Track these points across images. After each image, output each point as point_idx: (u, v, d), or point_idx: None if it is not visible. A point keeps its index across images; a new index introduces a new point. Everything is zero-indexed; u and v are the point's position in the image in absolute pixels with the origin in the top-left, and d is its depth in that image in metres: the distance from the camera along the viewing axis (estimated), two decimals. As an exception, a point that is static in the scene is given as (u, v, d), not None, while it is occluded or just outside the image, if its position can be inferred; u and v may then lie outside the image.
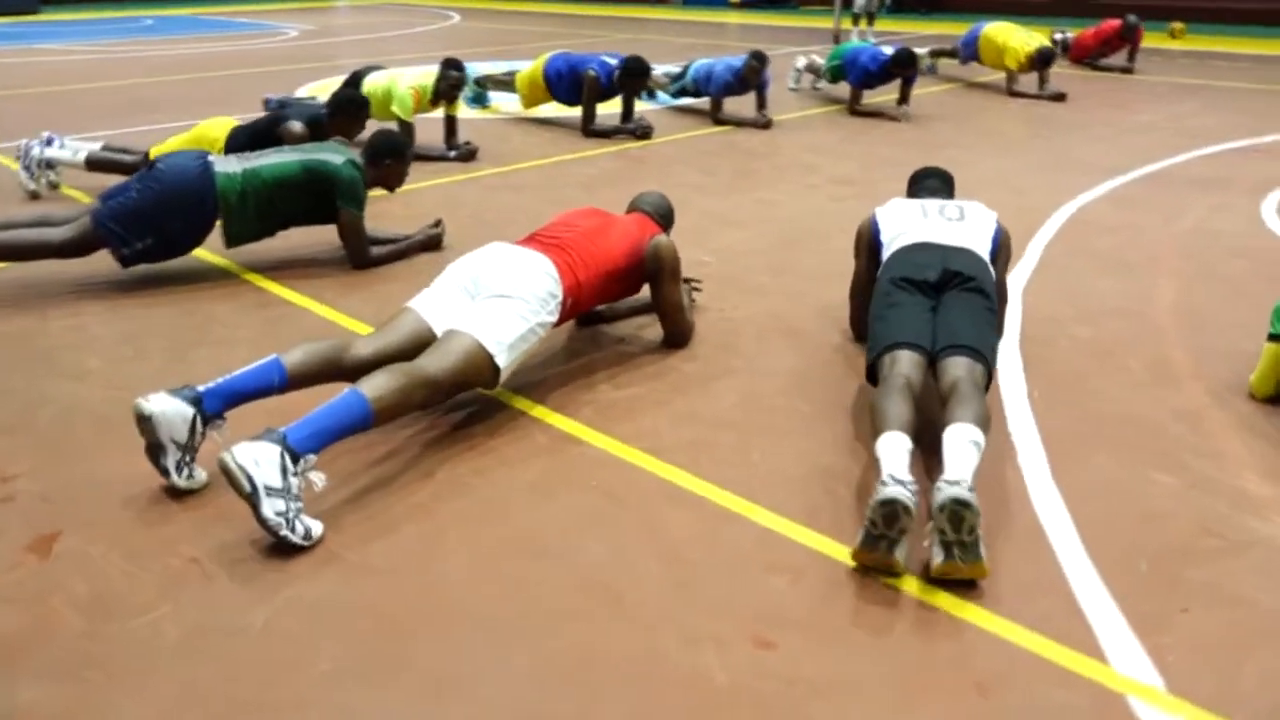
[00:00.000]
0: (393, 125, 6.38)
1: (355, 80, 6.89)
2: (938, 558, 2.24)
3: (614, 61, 7.56)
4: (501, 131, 7.88)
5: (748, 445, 2.94)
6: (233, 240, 4.26)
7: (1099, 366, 3.51)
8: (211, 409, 2.60)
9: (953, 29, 14.58)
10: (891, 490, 2.23)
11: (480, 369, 2.85)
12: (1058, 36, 11.83)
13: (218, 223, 4.19)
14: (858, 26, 14.10)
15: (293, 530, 2.35)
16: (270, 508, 2.31)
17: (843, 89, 9.13)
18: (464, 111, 7.47)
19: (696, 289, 3.99)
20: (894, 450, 2.38)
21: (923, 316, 2.88)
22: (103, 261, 4.13)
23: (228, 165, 4.16)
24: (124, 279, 4.22)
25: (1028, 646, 2.09)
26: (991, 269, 3.09)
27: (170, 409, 2.54)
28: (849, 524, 2.51)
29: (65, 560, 2.37)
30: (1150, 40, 12.68)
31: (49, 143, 5.56)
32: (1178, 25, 15.36)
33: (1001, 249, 3.24)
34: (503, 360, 2.88)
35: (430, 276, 3.24)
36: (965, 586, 2.26)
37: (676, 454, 2.87)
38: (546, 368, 3.45)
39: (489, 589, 2.28)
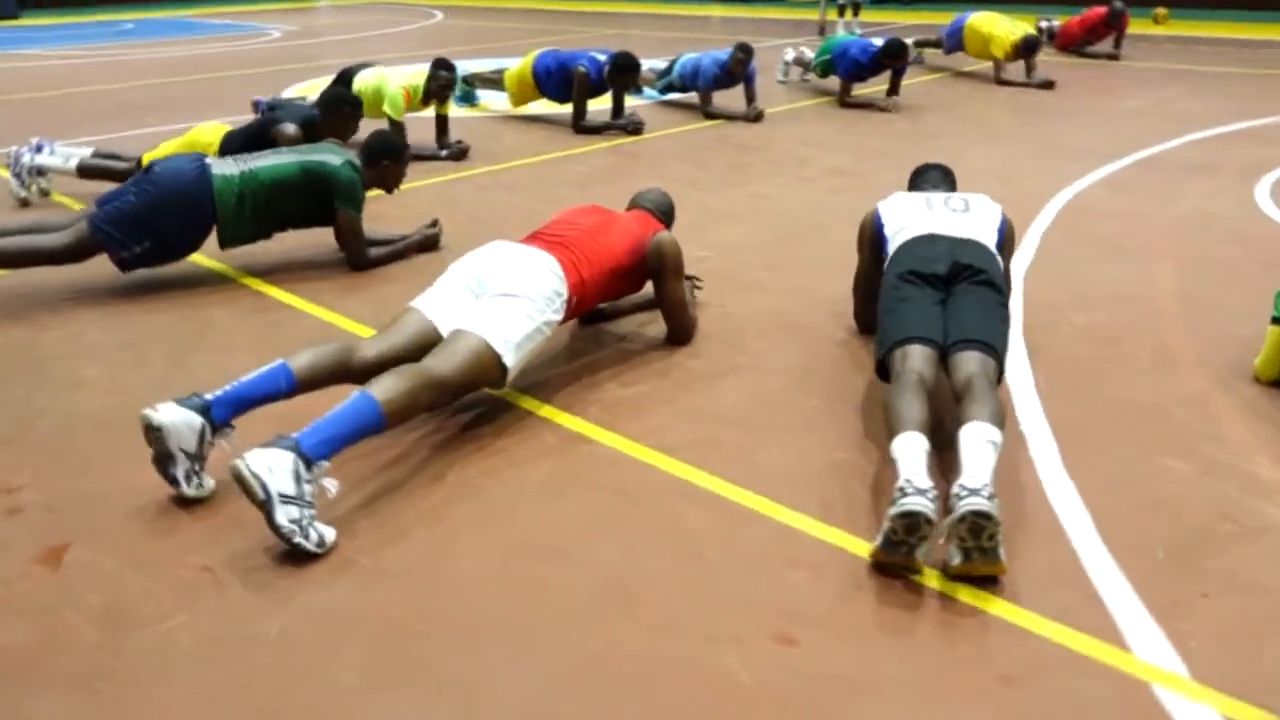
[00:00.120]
0: (383, 124, 6.35)
1: (345, 78, 6.82)
2: (956, 559, 2.23)
3: (603, 57, 7.53)
4: (493, 130, 7.85)
5: (758, 441, 2.92)
6: (228, 242, 4.22)
7: (1102, 353, 3.52)
8: (220, 417, 2.58)
9: (937, 19, 14.61)
10: (912, 502, 2.20)
11: (488, 369, 2.83)
12: (1043, 24, 11.88)
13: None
14: (843, 18, 14.09)
15: (306, 537, 2.33)
16: (284, 515, 2.29)
17: (832, 81, 9.12)
18: (453, 110, 7.43)
19: (698, 286, 3.97)
20: (912, 453, 2.36)
21: (933, 310, 2.87)
22: (99, 268, 4.09)
23: (225, 167, 4.12)
24: (120, 285, 4.18)
25: (1050, 637, 2.09)
26: (999, 260, 3.08)
27: (179, 419, 2.51)
28: (865, 519, 2.51)
29: (75, 571, 2.35)
30: (1134, 27, 12.73)
31: (39, 149, 5.48)
32: (1161, 11, 15.45)
33: (1007, 240, 3.24)
34: (510, 360, 2.87)
35: (429, 277, 3.21)
36: (985, 580, 2.25)
37: (687, 451, 2.85)
38: (551, 367, 3.44)
39: (503, 591, 2.27)
